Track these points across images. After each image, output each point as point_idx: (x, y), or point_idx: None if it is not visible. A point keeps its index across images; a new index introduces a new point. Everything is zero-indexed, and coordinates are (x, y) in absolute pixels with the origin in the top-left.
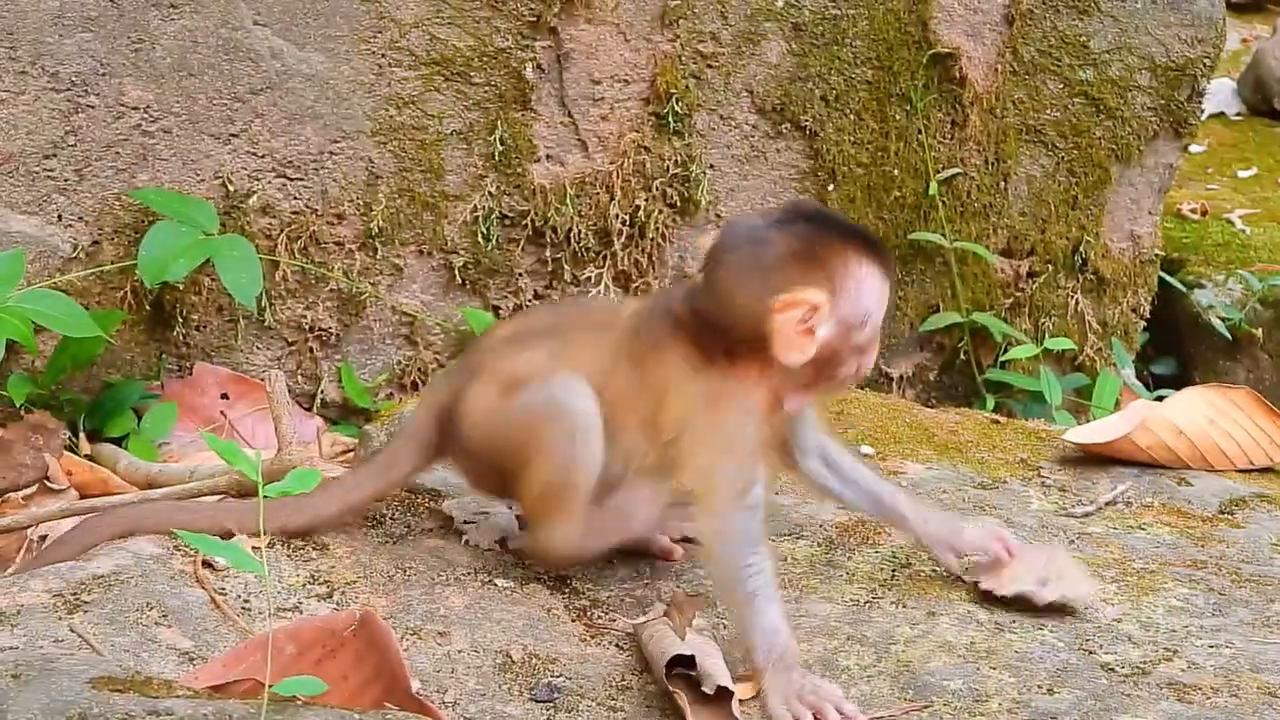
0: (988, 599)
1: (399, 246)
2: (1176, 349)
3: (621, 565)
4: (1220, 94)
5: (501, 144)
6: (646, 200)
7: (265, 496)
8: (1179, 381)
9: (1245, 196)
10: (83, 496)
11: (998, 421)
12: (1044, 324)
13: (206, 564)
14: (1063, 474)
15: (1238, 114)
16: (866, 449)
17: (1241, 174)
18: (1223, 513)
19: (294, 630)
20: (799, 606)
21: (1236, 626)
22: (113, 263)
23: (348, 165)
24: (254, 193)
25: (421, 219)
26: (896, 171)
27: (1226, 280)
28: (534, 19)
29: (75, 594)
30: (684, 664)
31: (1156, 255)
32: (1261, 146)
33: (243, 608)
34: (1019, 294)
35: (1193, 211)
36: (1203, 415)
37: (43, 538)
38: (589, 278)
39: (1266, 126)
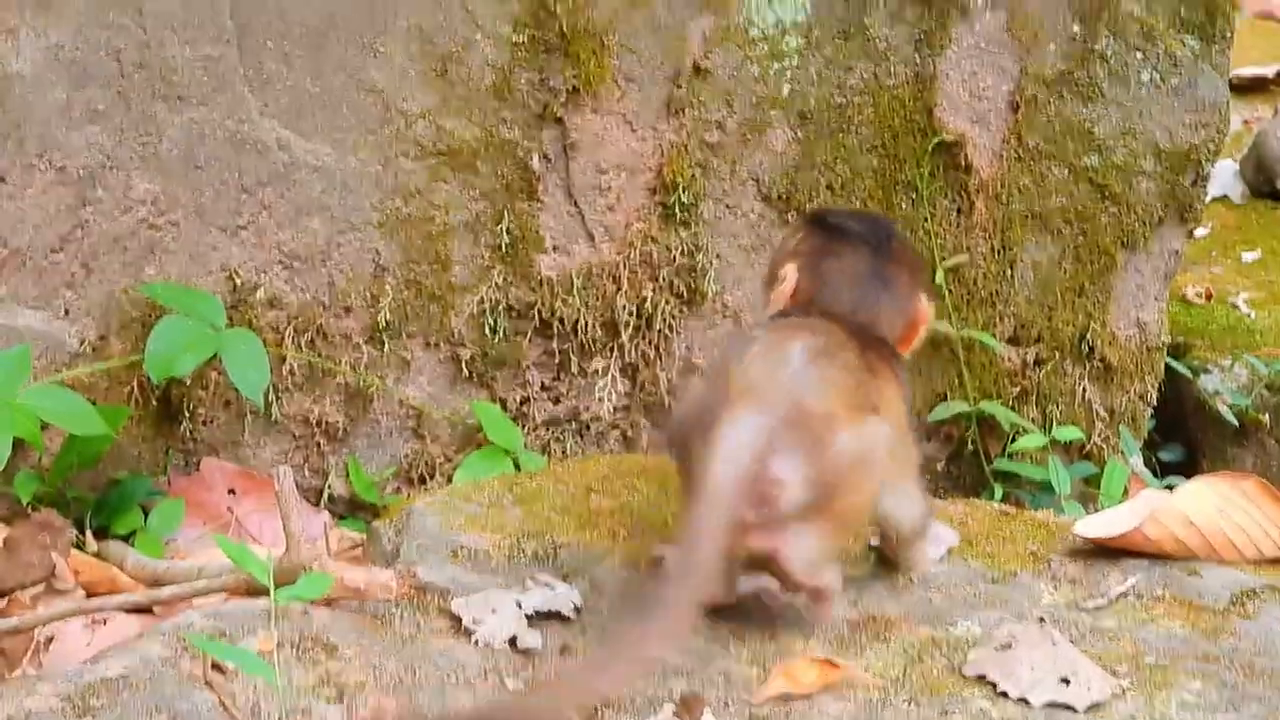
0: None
1: (406, 339)
2: (1183, 435)
3: None
4: (1223, 176)
5: (508, 235)
6: (653, 291)
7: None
8: (1186, 468)
9: (1250, 280)
10: (90, 595)
11: (1007, 513)
12: (1051, 411)
13: (216, 667)
14: (1073, 566)
15: (1241, 196)
16: (874, 541)
17: (1246, 257)
18: (1234, 605)
19: None
20: (810, 705)
21: None
22: (120, 357)
23: (355, 257)
24: (261, 285)
25: (428, 311)
26: None
27: (1233, 365)
28: (540, 110)
29: (83, 698)
30: None
31: (1163, 342)
32: (1265, 229)
33: (252, 712)
34: (1026, 382)
35: (1197, 295)
36: (1212, 506)
37: (49, 639)
38: (596, 369)
39: (1270, 209)
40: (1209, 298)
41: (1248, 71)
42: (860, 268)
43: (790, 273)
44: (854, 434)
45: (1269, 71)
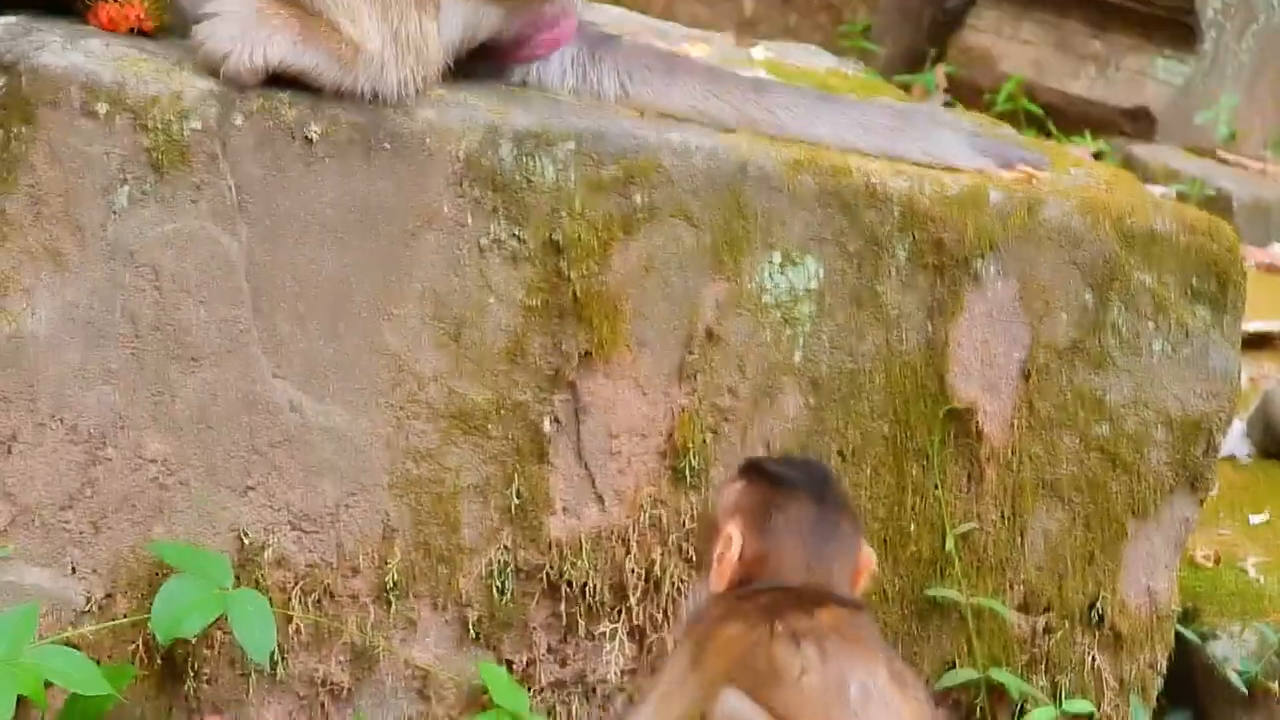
0: None
1: (413, 600)
2: (1191, 700)
3: None
4: (1229, 436)
5: (518, 497)
6: (662, 554)
7: None
8: None
9: (1258, 543)
10: None
11: None
12: (1060, 680)
13: None
14: None
15: (1248, 455)
16: None
17: (1254, 519)
18: None
19: None
20: None
21: None
22: (126, 616)
23: (364, 519)
24: (269, 546)
25: (436, 572)
26: (913, 526)
27: (1242, 631)
28: (553, 373)
29: None
30: None
31: (1174, 610)
32: (1273, 490)
33: None
34: (1035, 650)
35: (1205, 559)
36: None
37: None
38: (604, 632)
39: (1278, 468)
40: (1217, 561)
41: (1253, 327)
42: (805, 524)
43: (735, 534)
44: None
45: (1275, 328)
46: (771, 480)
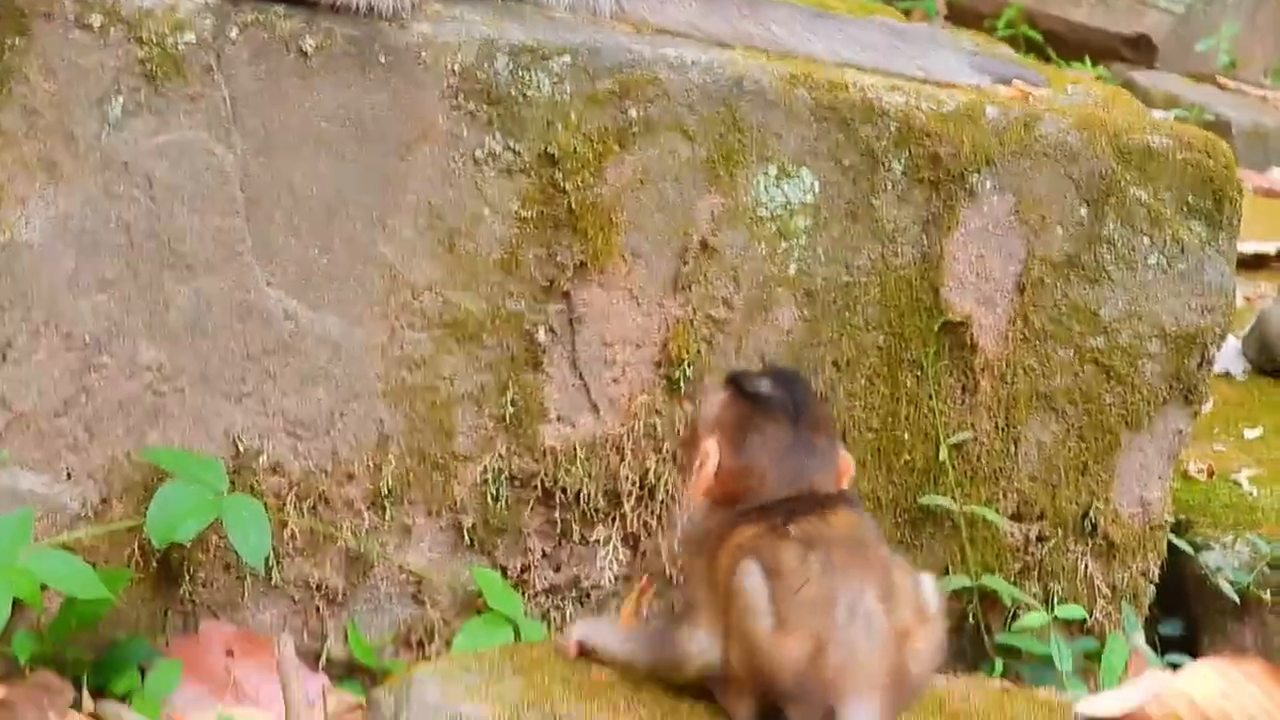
0: None
1: (408, 506)
2: (1183, 610)
3: None
4: (1225, 353)
5: (513, 406)
6: (657, 462)
7: None
8: (1186, 643)
9: (1251, 457)
10: None
11: (1008, 689)
12: (1053, 588)
13: None
14: None
15: (1243, 373)
16: None
17: (1248, 434)
18: None
19: None
20: None
21: None
22: (121, 520)
23: (358, 426)
24: (264, 452)
25: (431, 479)
26: (907, 436)
27: (1235, 542)
28: (547, 283)
29: None
30: None
31: (1166, 520)
32: (1268, 407)
33: None
34: (1028, 558)
35: (1199, 472)
36: (1216, 689)
37: None
38: (598, 539)
39: (1272, 385)
40: (1211, 474)
41: (1250, 248)
42: (782, 445)
43: (713, 449)
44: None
45: (1271, 249)
46: (751, 400)
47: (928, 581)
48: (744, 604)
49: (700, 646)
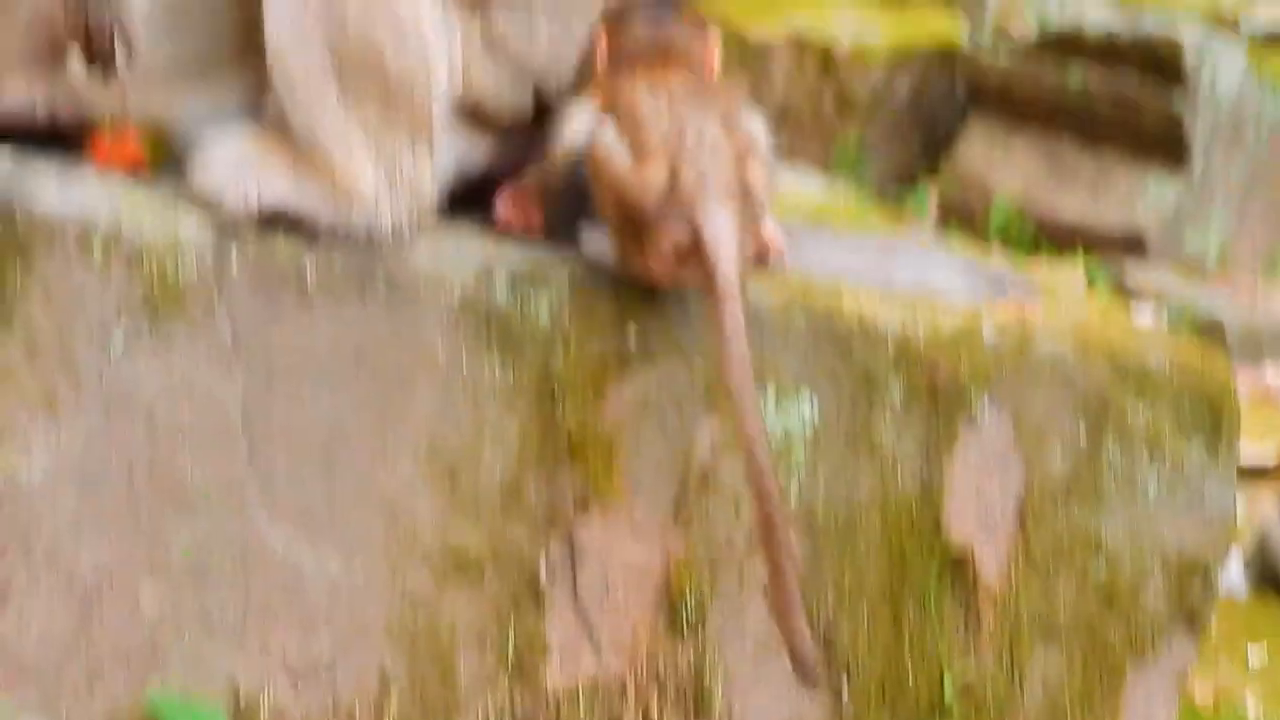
0: None
1: None
2: None
3: None
4: (1226, 570)
5: (514, 645)
6: (659, 701)
7: None
8: None
9: (1258, 684)
10: None
11: None
12: None
13: None
14: None
15: (1244, 591)
16: None
17: (1252, 658)
18: None
19: None
20: None
21: None
22: None
23: (360, 668)
24: (265, 697)
25: None
26: (910, 669)
27: None
28: (549, 519)
29: None
30: None
31: None
32: (1272, 627)
33: None
34: None
35: (1204, 702)
36: None
37: None
38: None
39: (1276, 602)
40: (1217, 706)
41: (1249, 458)
42: (651, 17)
43: (600, 35)
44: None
45: (1269, 461)
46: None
47: (758, 120)
48: (603, 154)
49: None
